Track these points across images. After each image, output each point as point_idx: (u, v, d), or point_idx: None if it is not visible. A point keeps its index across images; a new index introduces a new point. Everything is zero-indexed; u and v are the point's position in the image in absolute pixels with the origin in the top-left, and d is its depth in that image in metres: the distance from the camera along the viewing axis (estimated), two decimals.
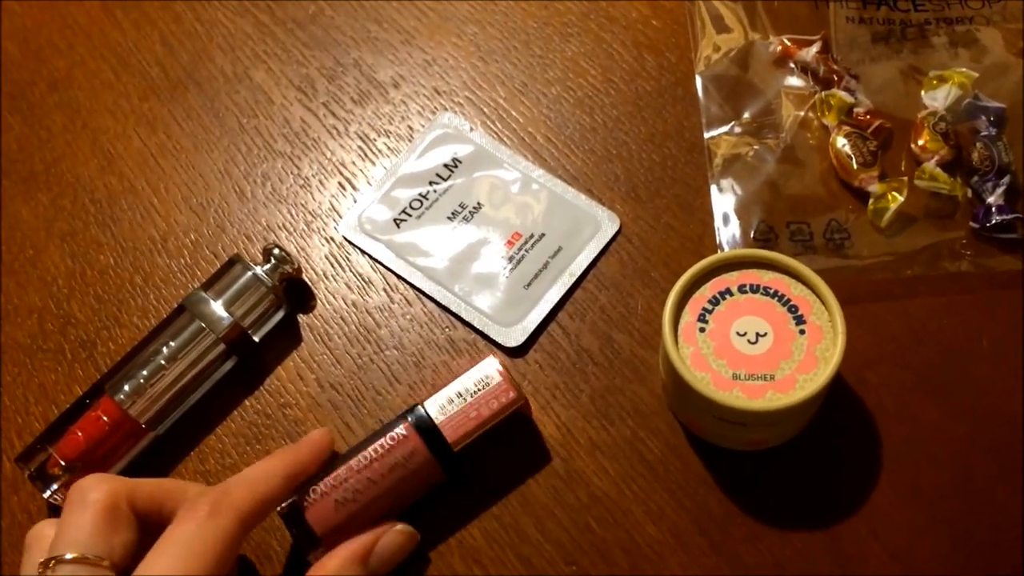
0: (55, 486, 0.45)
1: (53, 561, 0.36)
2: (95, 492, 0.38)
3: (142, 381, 0.46)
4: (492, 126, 0.56)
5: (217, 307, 0.48)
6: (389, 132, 0.56)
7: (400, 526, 0.43)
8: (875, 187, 0.50)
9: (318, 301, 0.52)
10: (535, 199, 0.53)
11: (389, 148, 0.56)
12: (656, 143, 0.54)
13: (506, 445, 0.46)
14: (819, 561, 0.43)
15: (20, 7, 0.63)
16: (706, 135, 0.53)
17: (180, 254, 0.54)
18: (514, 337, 0.49)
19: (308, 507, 0.42)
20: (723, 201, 0.51)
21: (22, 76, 0.61)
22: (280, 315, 0.50)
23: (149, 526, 0.39)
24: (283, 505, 0.43)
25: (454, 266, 0.51)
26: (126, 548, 0.38)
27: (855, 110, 0.52)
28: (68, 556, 0.36)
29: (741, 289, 0.43)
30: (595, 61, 0.57)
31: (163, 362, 0.47)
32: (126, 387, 0.46)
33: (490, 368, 0.45)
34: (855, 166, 0.50)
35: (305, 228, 0.54)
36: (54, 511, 0.46)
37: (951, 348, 0.47)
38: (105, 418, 0.45)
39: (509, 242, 0.52)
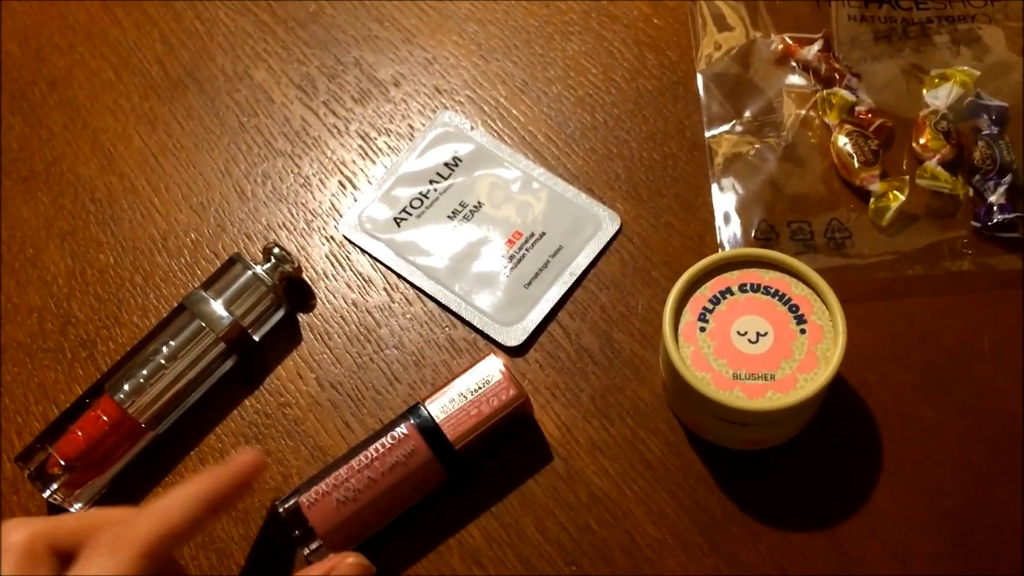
0: (55, 486, 0.45)
1: None
2: (12, 536, 0.37)
3: (142, 380, 0.46)
4: (493, 125, 0.56)
5: (217, 306, 0.48)
6: (389, 131, 0.56)
7: (353, 558, 0.42)
8: (876, 186, 0.49)
9: (318, 300, 0.52)
10: (536, 198, 0.53)
11: (389, 147, 0.56)
12: (657, 142, 0.54)
13: (506, 445, 0.46)
14: (819, 561, 0.43)
15: (21, 6, 0.63)
16: (707, 134, 0.53)
17: (180, 253, 0.54)
18: (514, 336, 0.49)
19: (309, 506, 0.42)
20: (724, 200, 0.51)
21: (22, 75, 0.61)
22: (280, 314, 0.50)
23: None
24: (286, 506, 0.43)
25: (454, 265, 0.51)
26: None
27: (856, 109, 0.52)
28: None
29: (742, 288, 0.43)
30: (596, 59, 0.57)
31: (163, 361, 0.47)
32: (126, 386, 0.46)
33: (491, 367, 0.45)
34: (856, 165, 0.50)
35: (305, 227, 0.54)
36: (54, 510, 0.46)
37: (952, 347, 0.47)
38: (105, 417, 0.46)
39: (510, 241, 0.51)
